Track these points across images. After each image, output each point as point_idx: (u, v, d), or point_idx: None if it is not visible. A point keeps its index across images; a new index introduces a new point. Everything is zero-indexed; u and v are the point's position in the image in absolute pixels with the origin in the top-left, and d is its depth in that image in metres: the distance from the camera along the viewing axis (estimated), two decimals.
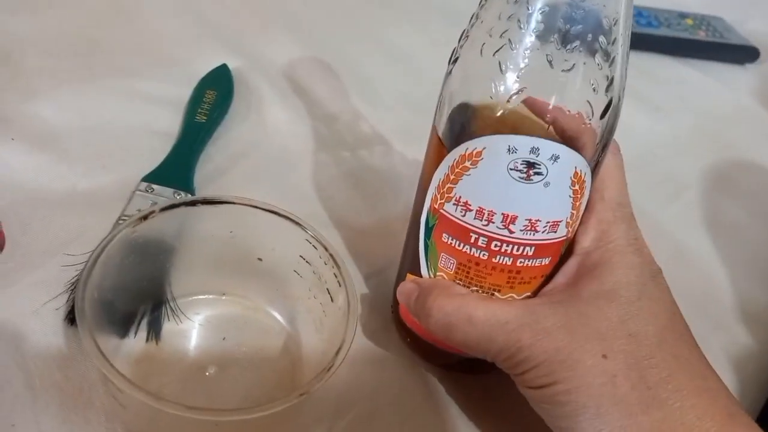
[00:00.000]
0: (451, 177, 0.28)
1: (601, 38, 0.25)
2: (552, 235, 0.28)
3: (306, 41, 0.57)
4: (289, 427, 0.30)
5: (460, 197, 0.28)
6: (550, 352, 0.26)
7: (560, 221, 0.28)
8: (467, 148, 0.26)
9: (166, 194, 0.38)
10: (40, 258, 0.34)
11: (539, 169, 0.26)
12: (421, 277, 0.31)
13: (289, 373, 0.33)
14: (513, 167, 0.26)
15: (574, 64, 0.25)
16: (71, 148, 0.41)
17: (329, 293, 0.31)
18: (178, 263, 0.33)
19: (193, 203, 0.31)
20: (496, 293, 0.30)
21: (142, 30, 0.53)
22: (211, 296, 0.35)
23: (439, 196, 0.29)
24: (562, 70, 0.25)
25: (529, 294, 0.30)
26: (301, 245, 0.32)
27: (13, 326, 0.31)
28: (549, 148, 0.25)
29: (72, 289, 0.33)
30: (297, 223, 0.31)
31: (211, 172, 0.42)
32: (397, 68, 0.57)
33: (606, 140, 0.27)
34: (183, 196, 0.39)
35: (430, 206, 0.29)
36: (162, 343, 0.32)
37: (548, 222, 0.27)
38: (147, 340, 0.32)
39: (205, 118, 0.45)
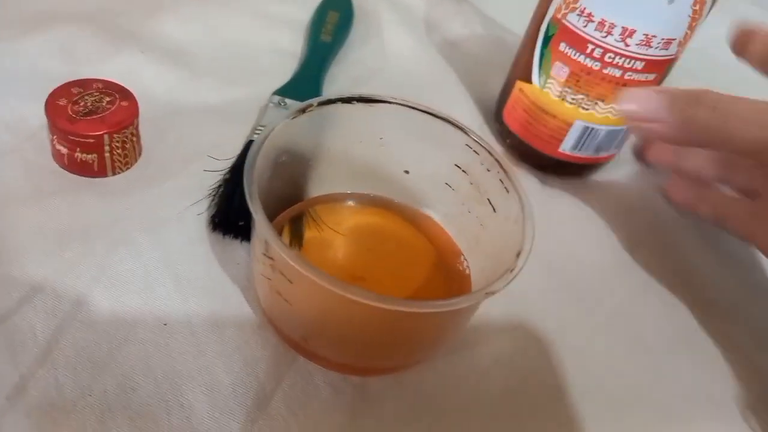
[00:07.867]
0: None
1: None
2: (663, 53, 0.31)
3: None
4: (459, 333, 0.28)
5: (584, 8, 0.31)
6: None
7: (674, 40, 0.31)
8: None
9: None
10: (177, 165, 0.33)
11: None
12: (531, 84, 0.35)
13: (443, 291, 0.30)
14: None
15: None
16: (199, 65, 0.40)
17: (490, 203, 0.29)
18: (321, 172, 0.31)
19: (348, 100, 0.29)
20: (600, 103, 0.33)
21: None
22: (351, 208, 0.33)
23: (564, 6, 0.32)
24: None
25: None
26: (458, 152, 0.29)
27: (159, 229, 0.30)
28: None
29: (213, 195, 0.31)
30: (457, 126, 0.29)
31: (336, 93, 0.40)
32: None
33: None
34: None
35: (553, 16, 0.33)
36: (303, 251, 0.30)
37: (663, 39, 0.31)
38: (290, 246, 0.30)
39: (329, 38, 0.42)
